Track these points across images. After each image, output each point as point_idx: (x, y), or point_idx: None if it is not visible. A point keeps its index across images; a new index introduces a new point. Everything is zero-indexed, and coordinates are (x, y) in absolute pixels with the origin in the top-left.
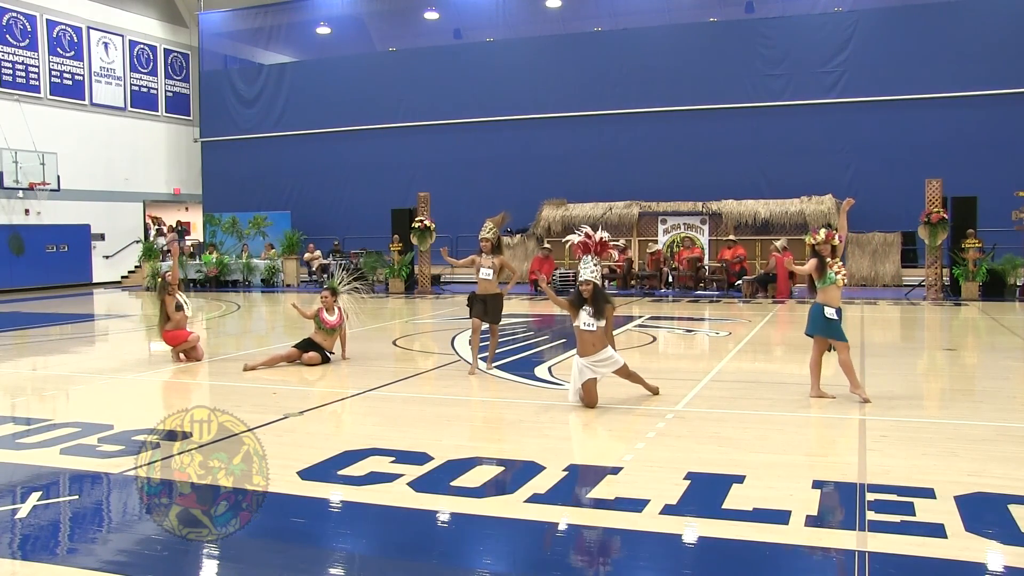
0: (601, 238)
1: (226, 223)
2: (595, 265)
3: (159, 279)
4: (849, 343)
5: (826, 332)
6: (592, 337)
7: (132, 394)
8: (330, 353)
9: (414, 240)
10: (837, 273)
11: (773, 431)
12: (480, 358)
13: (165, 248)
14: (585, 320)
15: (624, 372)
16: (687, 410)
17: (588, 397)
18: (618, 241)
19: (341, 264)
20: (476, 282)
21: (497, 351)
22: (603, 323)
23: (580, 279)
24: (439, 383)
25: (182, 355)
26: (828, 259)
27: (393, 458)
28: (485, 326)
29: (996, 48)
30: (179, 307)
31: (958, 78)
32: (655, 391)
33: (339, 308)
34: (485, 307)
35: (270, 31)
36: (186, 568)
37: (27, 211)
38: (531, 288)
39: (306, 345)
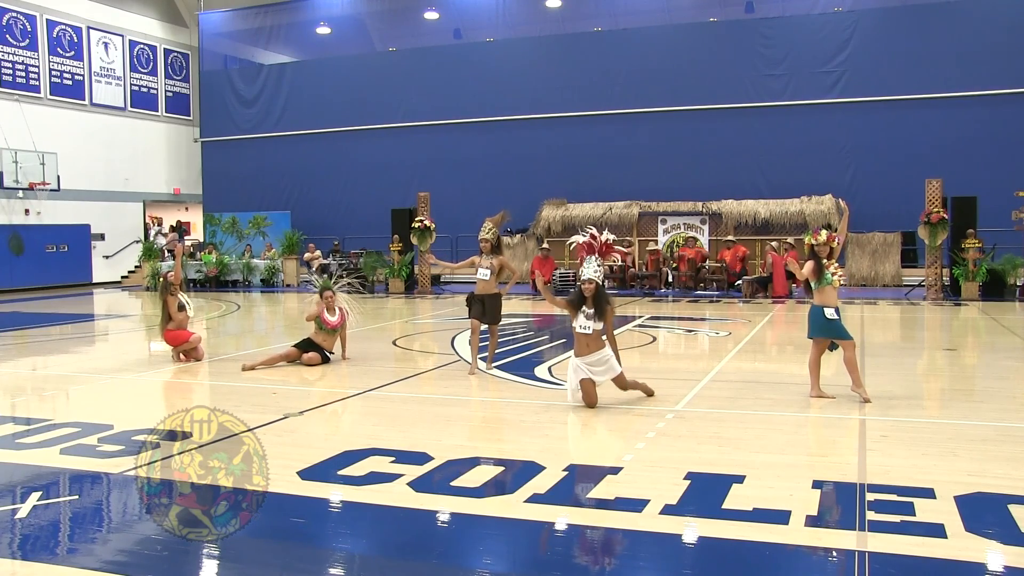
0: (606, 240)
1: (226, 223)
2: (598, 266)
3: (161, 279)
4: (854, 341)
5: (829, 332)
6: (587, 339)
7: (132, 394)
8: (330, 353)
9: (414, 240)
10: (833, 275)
11: (773, 431)
12: (480, 358)
13: (167, 248)
14: (582, 322)
15: (620, 382)
16: (687, 410)
17: (587, 397)
18: (623, 241)
19: (340, 263)
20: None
21: (497, 351)
22: (600, 325)
23: (583, 278)
24: (439, 383)
25: (182, 355)
26: (825, 261)
27: (393, 458)
28: (485, 326)
29: (996, 48)
30: (181, 307)
31: (958, 78)
32: (651, 393)
33: (340, 308)
34: (483, 307)
35: (270, 31)
36: (186, 568)
37: (27, 211)
38: (532, 288)
39: (306, 345)
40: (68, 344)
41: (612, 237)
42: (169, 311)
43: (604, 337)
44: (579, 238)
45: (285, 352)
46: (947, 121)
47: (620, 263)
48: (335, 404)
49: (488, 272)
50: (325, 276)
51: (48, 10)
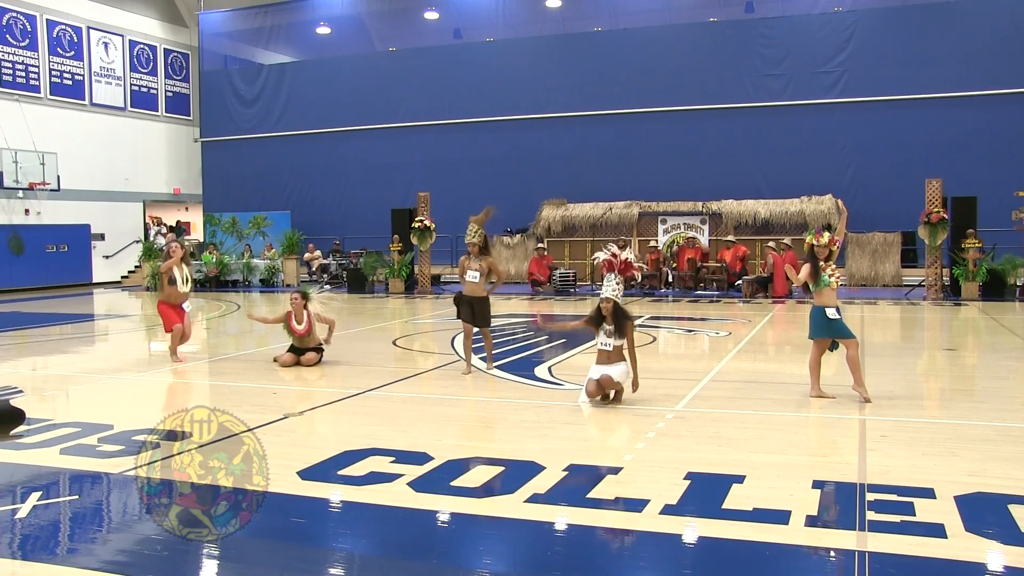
0: (626, 258)
1: (226, 223)
2: (617, 284)
3: (166, 250)
4: (857, 339)
5: (831, 332)
6: (608, 354)
7: (132, 394)
8: (323, 344)
9: (414, 240)
10: (831, 276)
11: (773, 431)
12: (481, 358)
13: (166, 248)
14: (603, 340)
15: (609, 385)
16: (687, 410)
17: (589, 385)
18: (642, 264)
19: (340, 263)
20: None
21: (497, 351)
22: (621, 342)
23: (601, 296)
24: (439, 383)
25: (177, 353)
26: (822, 263)
27: (393, 458)
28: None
29: (996, 48)
30: (172, 280)
31: (958, 78)
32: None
33: (308, 316)
34: (472, 311)
35: (270, 31)
36: (186, 568)
37: (27, 211)
38: (531, 288)
39: (296, 351)
40: (68, 344)
41: (632, 256)
42: (163, 281)
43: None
44: (601, 255)
45: (288, 358)
46: (947, 121)
47: (637, 281)
48: (335, 404)
49: (477, 275)
50: (304, 284)
51: (48, 10)
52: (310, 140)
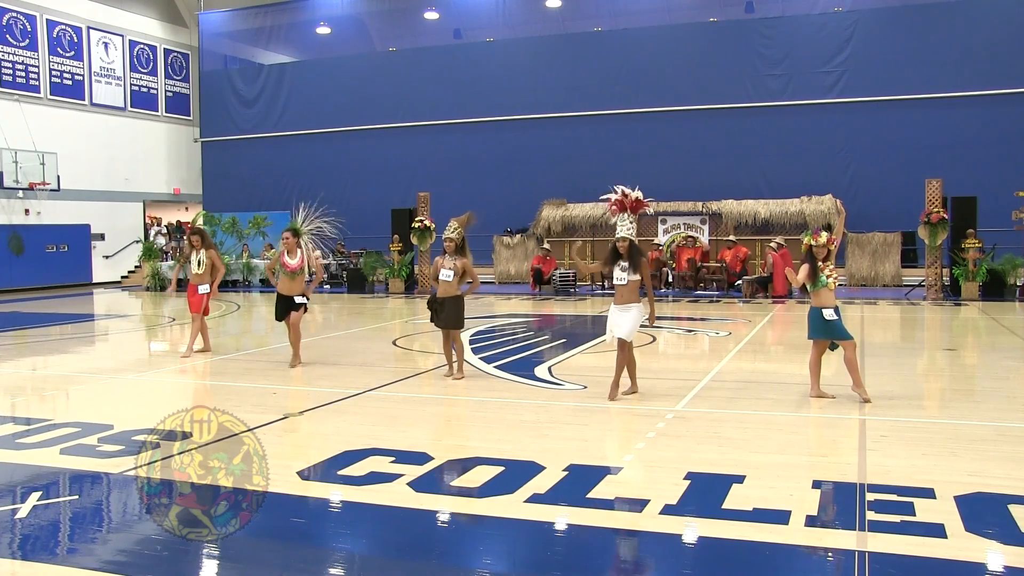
0: (636, 197)
1: (226, 223)
2: (630, 223)
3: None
4: (855, 341)
5: (828, 334)
6: (623, 289)
7: (132, 394)
8: (302, 297)
9: (414, 240)
10: (828, 276)
11: (773, 431)
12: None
13: (167, 248)
14: (618, 275)
15: (626, 351)
16: (687, 410)
17: (610, 337)
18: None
19: (340, 263)
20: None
21: (497, 351)
22: (636, 277)
23: (616, 236)
24: (439, 383)
25: (188, 351)
26: (820, 263)
27: (393, 458)
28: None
29: (996, 48)
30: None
31: (958, 78)
32: (634, 391)
33: (301, 251)
34: (444, 312)
35: (270, 31)
36: (186, 568)
37: (27, 211)
38: (532, 287)
39: (282, 313)
40: (68, 344)
41: (640, 194)
42: (186, 256)
43: (643, 292)
44: (612, 196)
45: (289, 330)
46: (947, 121)
47: (649, 215)
48: (335, 404)
49: (451, 273)
50: (294, 220)
51: (48, 10)
52: (310, 140)
